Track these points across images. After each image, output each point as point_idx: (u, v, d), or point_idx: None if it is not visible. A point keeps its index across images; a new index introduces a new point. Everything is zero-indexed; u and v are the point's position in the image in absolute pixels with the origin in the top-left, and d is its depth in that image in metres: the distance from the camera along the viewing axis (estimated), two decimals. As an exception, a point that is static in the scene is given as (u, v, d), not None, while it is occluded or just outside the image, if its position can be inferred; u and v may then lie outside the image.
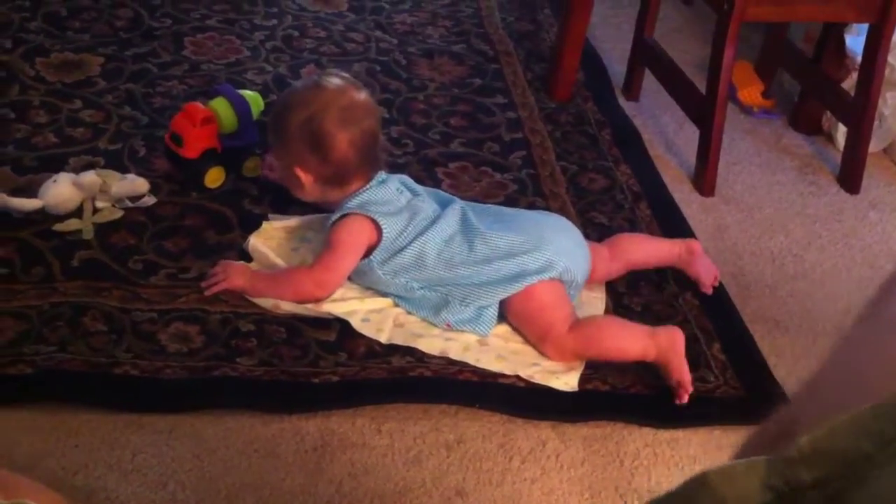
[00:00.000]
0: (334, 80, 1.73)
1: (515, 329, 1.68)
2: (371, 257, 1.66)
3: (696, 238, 1.92)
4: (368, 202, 1.68)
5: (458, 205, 1.74)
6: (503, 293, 1.66)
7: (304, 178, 1.71)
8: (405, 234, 1.66)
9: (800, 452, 0.87)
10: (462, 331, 1.65)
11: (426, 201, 1.73)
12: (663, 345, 1.61)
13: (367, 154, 1.71)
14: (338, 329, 1.64)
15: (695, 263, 1.83)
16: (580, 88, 2.45)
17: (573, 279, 1.68)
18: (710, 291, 1.82)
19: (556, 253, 1.66)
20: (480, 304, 1.66)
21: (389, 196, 1.70)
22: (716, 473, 0.59)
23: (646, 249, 1.85)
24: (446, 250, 1.67)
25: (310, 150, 1.68)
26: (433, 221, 1.69)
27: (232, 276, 1.66)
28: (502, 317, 1.69)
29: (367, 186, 1.70)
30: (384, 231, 1.65)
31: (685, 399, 1.60)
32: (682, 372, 1.60)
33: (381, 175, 1.72)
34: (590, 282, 1.76)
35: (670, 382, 1.61)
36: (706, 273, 1.83)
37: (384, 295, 1.70)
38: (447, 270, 1.66)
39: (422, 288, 1.67)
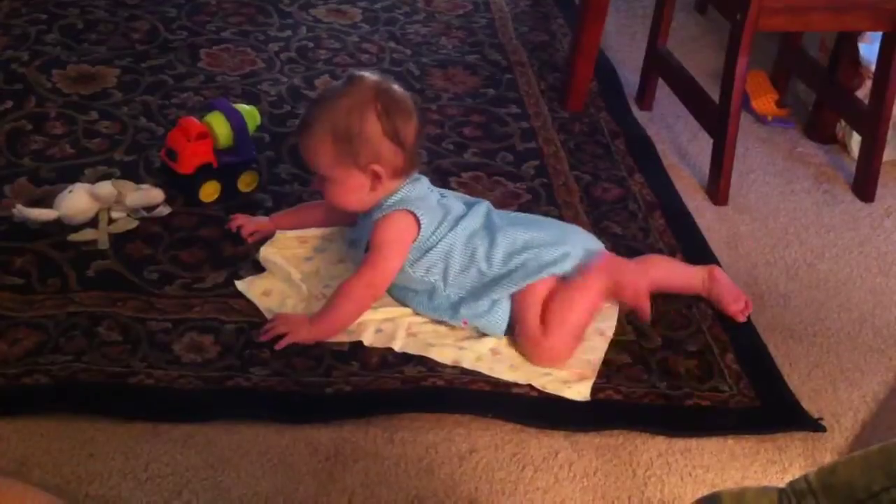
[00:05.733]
0: (372, 76, 1.71)
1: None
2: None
3: (717, 265, 1.87)
4: (407, 198, 1.67)
5: (483, 204, 1.76)
6: (514, 286, 1.66)
7: (382, 172, 1.65)
8: (437, 231, 1.68)
9: (809, 485, 0.87)
10: (476, 327, 1.67)
11: (453, 201, 1.75)
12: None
13: (419, 144, 1.73)
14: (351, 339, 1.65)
15: (718, 288, 1.80)
16: (594, 98, 2.46)
17: None
18: (742, 319, 1.79)
19: (574, 247, 1.69)
20: (494, 297, 1.66)
21: (425, 192, 1.71)
22: (729, 495, 0.59)
23: (671, 270, 1.83)
24: (470, 243, 1.68)
25: (390, 142, 1.64)
26: (460, 218, 1.71)
27: (294, 329, 1.61)
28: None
29: (404, 184, 1.70)
30: (422, 226, 1.66)
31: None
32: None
33: (414, 174, 1.73)
34: (622, 297, 1.72)
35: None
36: (732, 298, 1.79)
37: (399, 304, 1.71)
38: (469, 263, 1.67)
39: (446, 286, 1.68)
